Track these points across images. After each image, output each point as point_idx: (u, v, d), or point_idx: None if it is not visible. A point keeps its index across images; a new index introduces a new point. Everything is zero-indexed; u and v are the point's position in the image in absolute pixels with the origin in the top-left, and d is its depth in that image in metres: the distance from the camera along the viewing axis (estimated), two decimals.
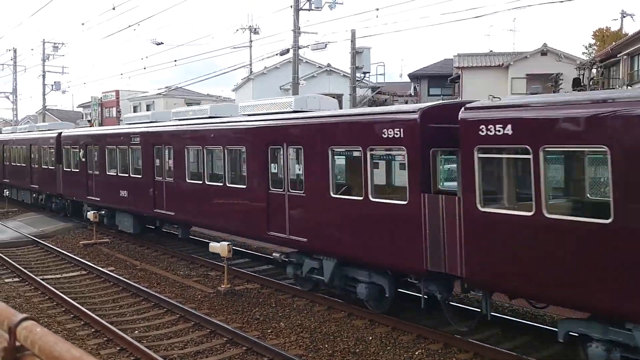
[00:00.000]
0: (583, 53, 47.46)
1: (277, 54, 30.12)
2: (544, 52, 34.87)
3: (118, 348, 10.02)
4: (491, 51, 40.86)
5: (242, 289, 13.89)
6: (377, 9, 23.55)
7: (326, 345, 10.13)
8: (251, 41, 45.98)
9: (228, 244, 13.76)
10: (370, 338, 10.42)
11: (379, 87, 36.76)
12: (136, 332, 11.00)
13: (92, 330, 11.04)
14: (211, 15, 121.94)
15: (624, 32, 42.13)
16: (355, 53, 27.92)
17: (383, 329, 10.86)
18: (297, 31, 27.22)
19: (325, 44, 28.20)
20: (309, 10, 27.35)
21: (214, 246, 14.18)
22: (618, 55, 30.82)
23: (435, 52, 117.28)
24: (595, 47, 48.60)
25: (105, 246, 19.78)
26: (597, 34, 50.33)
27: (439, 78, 44.21)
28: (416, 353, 9.69)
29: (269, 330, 10.99)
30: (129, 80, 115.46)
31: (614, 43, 34.55)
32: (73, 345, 1.85)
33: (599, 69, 30.67)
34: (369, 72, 29.98)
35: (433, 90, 44.97)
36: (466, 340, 9.86)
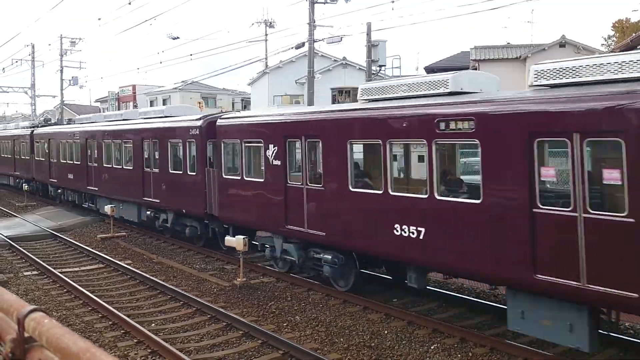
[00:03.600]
0: (602, 45, 46.87)
1: (292, 48, 30.07)
2: (562, 44, 34.40)
3: (135, 340, 10.09)
4: (508, 43, 40.38)
5: (258, 282, 13.92)
6: (393, 1, 23.36)
7: (341, 339, 10.11)
8: (266, 35, 45.95)
9: (244, 238, 13.79)
10: (386, 332, 10.39)
11: None
12: (153, 325, 11.07)
13: (110, 322, 11.13)
14: (227, 10, 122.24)
15: None
16: (371, 46, 27.73)
17: (399, 322, 10.81)
18: (312, 24, 27.12)
19: (341, 37, 28.06)
20: (324, 3, 27.24)
21: (230, 240, 14.22)
22: (638, 47, 30.33)
23: (451, 44, 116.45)
24: (614, 38, 47.88)
25: (122, 240, 19.94)
26: (617, 25, 49.53)
27: (455, 70, 43.78)
28: (432, 347, 9.64)
29: (284, 324, 10.99)
30: (145, 75, 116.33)
31: (634, 34, 33.99)
32: (80, 337, 1.84)
33: None
34: (384, 66, 29.75)
35: None
36: (482, 335, 9.79)
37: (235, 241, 13.85)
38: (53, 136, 28.51)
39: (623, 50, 31.79)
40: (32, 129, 32.59)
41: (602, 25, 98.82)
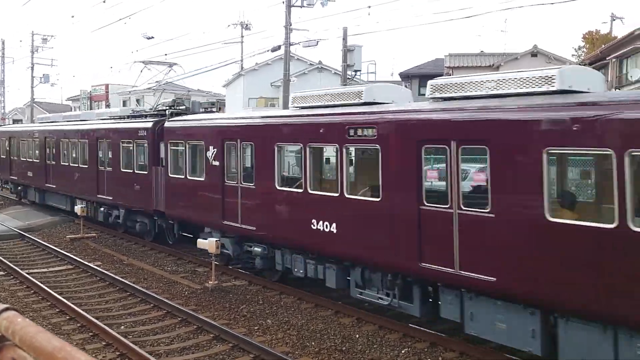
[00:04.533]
0: (573, 55, 47.75)
1: (268, 50, 30.05)
2: (534, 53, 35.07)
3: (104, 343, 9.96)
4: (482, 51, 41.00)
5: (230, 285, 13.85)
6: (369, 7, 23.54)
7: (313, 343, 10.12)
8: (242, 37, 45.86)
9: (217, 241, 13.73)
10: (357, 336, 10.42)
11: None
12: (122, 327, 10.94)
13: (78, 325, 10.96)
14: (202, 10, 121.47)
15: (613, 35, 42.41)
16: (347, 51, 27.89)
17: (370, 327, 10.87)
18: (288, 27, 27.17)
19: (317, 41, 28.14)
20: (300, 7, 27.29)
21: (202, 242, 14.14)
22: (607, 59, 31.04)
23: (426, 51, 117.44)
24: (584, 49, 48.86)
25: (92, 241, 19.66)
26: (587, 36, 50.61)
27: (430, 77, 44.10)
28: (402, 352, 9.70)
29: (255, 327, 10.96)
30: (119, 74, 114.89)
31: (603, 46, 34.76)
32: (54, 336, 1.83)
33: None
34: (360, 70, 29.96)
35: (424, 90, 45.02)
36: (453, 340, 9.90)
37: (208, 244, 13.78)
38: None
39: (593, 62, 32.44)
40: None
41: (573, 36, 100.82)
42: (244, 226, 13.50)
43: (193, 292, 13.40)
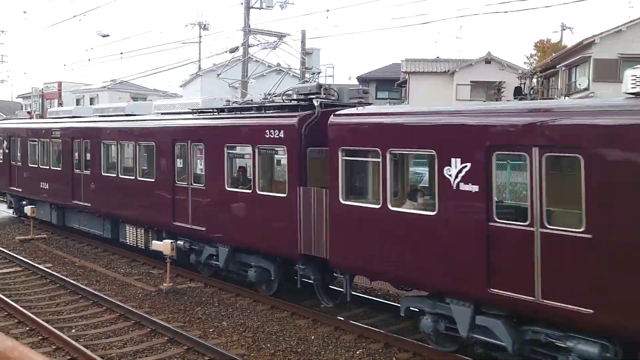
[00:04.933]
0: (525, 63, 48.96)
1: (226, 52, 29.87)
2: (488, 60, 35.86)
3: (54, 347, 9.75)
4: (438, 57, 41.65)
5: (185, 287, 13.73)
6: (328, 10, 23.68)
7: (268, 345, 10.13)
8: (200, 37, 45.47)
9: (172, 242, 13.59)
10: (313, 337, 10.48)
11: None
12: (73, 330, 10.73)
13: (27, 328, 10.69)
14: (160, 9, 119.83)
15: (563, 45, 43.75)
16: (305, 54, 27.98)
17: (325, 328, 10.94)
18: (247, 29, 27.08)
19: (276, 44, 28.12)
20: (259, 8, 27.29)
21: (157, 244, 13.97)
22: (557, 67, 32.02)
23: (384, 56, 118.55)
24: (536, 57, 50.22)
25: (42, 242, 19.17)
26: (538, 45, 52.03)
27: (387, 82, 44.76)
28: (357, 352, 9.81)
29: (210, 330, 10.90)
30: (72, 72, 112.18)
31: (553, 54, 35.86)
32: (7, 336, 1.82)
33: (539, 79, 31.77)
34: (318, 73, 30.06)
35: (381, 93, 45.50)
36: (406, 340, 10.05)
37: (163, 245, 13.63)
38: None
39: (543, 70, 33.36)
40: None
41: (525, 45, 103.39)
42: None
43: (147, 294, 13.23)
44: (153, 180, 15.12)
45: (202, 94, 40.05)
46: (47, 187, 20.13)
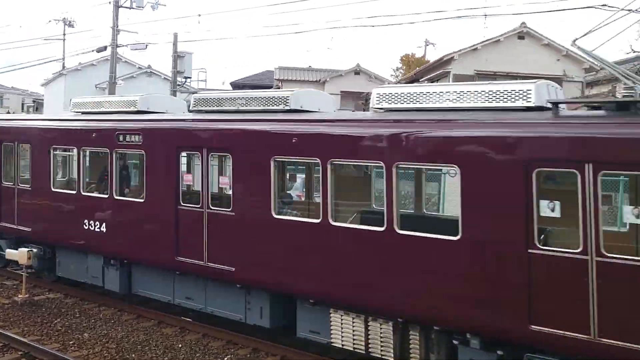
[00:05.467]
0: (391, 75, 51.37)
1: (93, 51, 28.62)
2: (357, 71, 37.27)
3: None
4: (310, 66, 42.61)
5: (43, 298, 12.98)
6: (200, 15, 23.49)
7: (133, 355, 9.87)
8: (65, 34, 43.12)
9: (28, 251, 12.79)
10: (180, 345, 10.35)
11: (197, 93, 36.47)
12: None
13: None
14: (20, 2, 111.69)
15: (426, 59, 46.40)
16: (177, 57, 27.48)
17: (194, 336, 10.84)
18: (116, 28, 26.14)
19: (146, 45, 27.39)
20: (129, 8, 26.45)
21: (12, 253, 13.11)
22: (420, 80, 33.92)
23: (258, 62, 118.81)
24: (402, 70, 52.82)
25: None
26: (404, 58, 54.68)
27: (259, 88, 45.04)
28: (225, 359, 9.83)
29: (71, 342, 10.42)
30: None
31: (417, 68, 37.95)
32: None
33: None
34: (190, 77, 29.66)
35: None
36: (275, 345, 10.22)
37: (18, 254, 12.82)
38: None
39: (408, 82, 35.25)
40: None
41: (392, 58, 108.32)
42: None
43: (0, 307, 12.35)
44: None
45: (66, 93, 38.04)
46: None
